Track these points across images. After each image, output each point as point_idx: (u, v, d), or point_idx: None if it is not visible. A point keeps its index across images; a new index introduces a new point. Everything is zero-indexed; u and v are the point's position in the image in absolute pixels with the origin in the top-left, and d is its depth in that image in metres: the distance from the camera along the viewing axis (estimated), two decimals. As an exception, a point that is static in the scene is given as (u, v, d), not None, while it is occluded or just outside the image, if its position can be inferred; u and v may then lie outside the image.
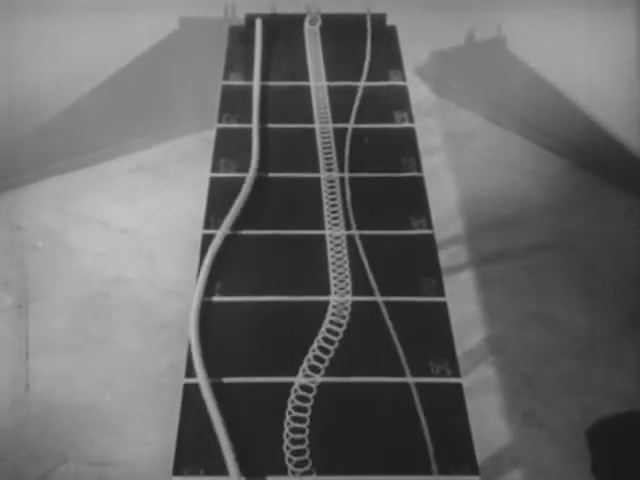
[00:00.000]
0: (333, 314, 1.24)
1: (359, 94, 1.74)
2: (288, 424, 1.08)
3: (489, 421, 1.92)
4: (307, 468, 1.03)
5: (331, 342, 1.20)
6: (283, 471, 1.04)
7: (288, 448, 1.05)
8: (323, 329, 1.21)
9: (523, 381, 2.04)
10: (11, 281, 2.34)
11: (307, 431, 1.07)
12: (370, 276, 1.30)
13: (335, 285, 1.29)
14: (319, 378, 1.15)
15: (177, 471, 1.04)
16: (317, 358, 1.17)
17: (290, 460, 1.04)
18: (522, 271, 2.36)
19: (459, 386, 1.14)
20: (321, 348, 1.19)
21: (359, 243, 1.37)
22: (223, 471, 1.03)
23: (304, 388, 1.13)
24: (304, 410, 1.10)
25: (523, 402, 1.99)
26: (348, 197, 1.46)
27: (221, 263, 1.34)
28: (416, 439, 1.07)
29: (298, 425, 1.08)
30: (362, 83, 1.78)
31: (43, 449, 1.88)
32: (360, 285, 1.30)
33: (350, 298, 1.27)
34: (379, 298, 1.27)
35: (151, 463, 1.83)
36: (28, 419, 1.95)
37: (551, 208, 2.61)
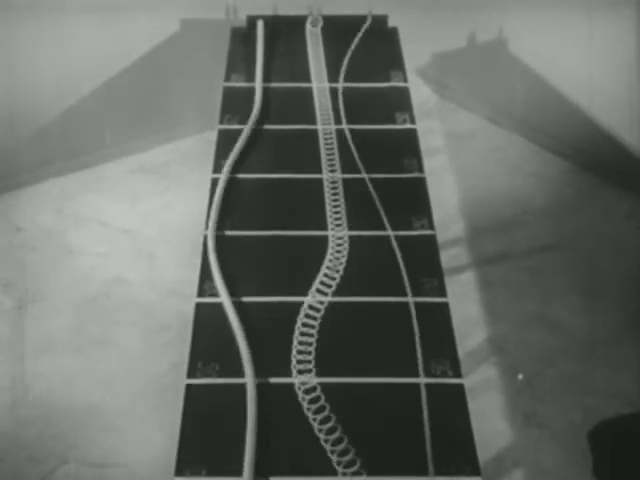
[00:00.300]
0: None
1: (360, 95, 1.74)
2: (320, 430, 1.08)
3: (490, 422, 1.92)
4: (356, 468, 1.04)
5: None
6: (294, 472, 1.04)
7: (334, 452, 1.05)
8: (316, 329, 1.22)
9: (524, 382, 2.04)
10: (11, 282, 2.34)
11: (339, 430, 1.07)
12: (372, 277, 1.31)
13: (337, 284, 1.30)
14: (322, 378, 1.15)
15: (179, 472, 1.04)
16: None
17: (339, 463, 1.04)
18: (524, 272, 2.36)
19: (461, 386, 1.14)
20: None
21: (361, 243, 1.37)
22: (225, 471, 1.03)
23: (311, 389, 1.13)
24: (323, 409, 1.10)
25: (524, 403, 1.99)
26: (373, 193, 1.46)
27: (223, 262, 1.34)
28: (417, 439, 1.07)
29: (329, 425, 1.08)
30: (363, 84, 1.78)
31: (43, 450, 1.88)
32: (362, 286, 1.30)
33: (352, 299, 1.27)
34: (380, 298, 1.27)
35: (152, 464, 1.83)
36: (28, 420, 1.95)
37: (553, 209, 2.61)
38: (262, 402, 1.11)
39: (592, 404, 1.96)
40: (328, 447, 1.06)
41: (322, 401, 1.11)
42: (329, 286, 1.29)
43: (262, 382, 1.14)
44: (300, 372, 1.16)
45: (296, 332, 1.22)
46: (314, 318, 1.24)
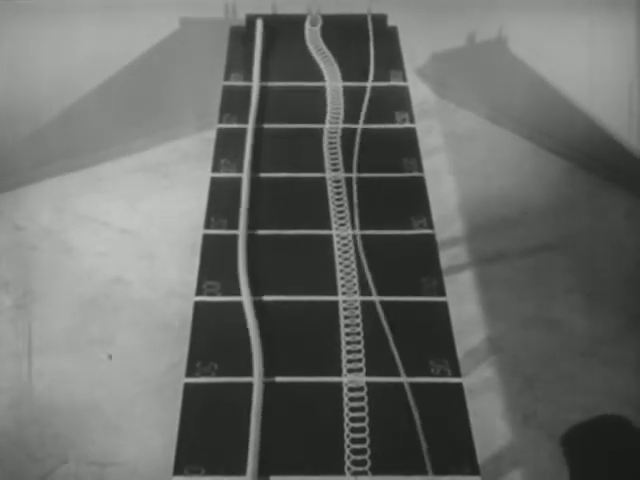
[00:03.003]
0: (346, 316, 1.24)
1: (360, 95, 1.75)
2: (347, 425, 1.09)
3: (489, 421, 1.92)
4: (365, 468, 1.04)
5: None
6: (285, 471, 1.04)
7: (349, 446, 1.06)
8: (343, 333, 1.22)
9: (524, 382, 2.04)
10: (10, 281, 2.34)
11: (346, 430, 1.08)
12: (371, 276, 1.30)
13: (343, 285, 1.29)
14: (322, 378, 1.15)
15: (178, 471, 1.04)
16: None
17: (348, 457, 1.05)
18: (522, 271, 2.36)
19: (460, 386, 1.14)
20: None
21: (360, 243, 1.37)
22: (224, 471, 1.03)
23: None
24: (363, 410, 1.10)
25: (523, 403, 1.99)
26: (355, 197, 1.46)
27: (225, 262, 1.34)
28: (416, 439, 1.07)
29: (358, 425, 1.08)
30: (363, 83, 1.78)
31: (43, 450, 1.88)
32: (361, 285, 1.30)
33: (358, 298, 1.27)
34: (380, 298, 1.27)
35: (152, 463, 1.83)
36: (28, 420, 1.95)
37: (551, 208, 2.61)
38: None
39: (592, 404, 1.96)
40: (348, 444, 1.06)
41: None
42: (352, 289, 1.29)
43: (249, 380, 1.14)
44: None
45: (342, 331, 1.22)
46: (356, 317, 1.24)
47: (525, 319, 2.21)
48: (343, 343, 1.20)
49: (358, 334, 1.22)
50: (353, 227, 1.40)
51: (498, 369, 2.07)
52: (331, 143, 1.60)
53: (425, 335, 1.21)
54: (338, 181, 1.50)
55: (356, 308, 1.25)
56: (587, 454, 1.62)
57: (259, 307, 1.26)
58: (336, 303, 1.26)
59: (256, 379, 1.13)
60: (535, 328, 2.18)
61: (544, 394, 2.01)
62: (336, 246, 1.37)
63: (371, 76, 1.80)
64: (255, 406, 1.09)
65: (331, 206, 1.45)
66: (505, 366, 2.08)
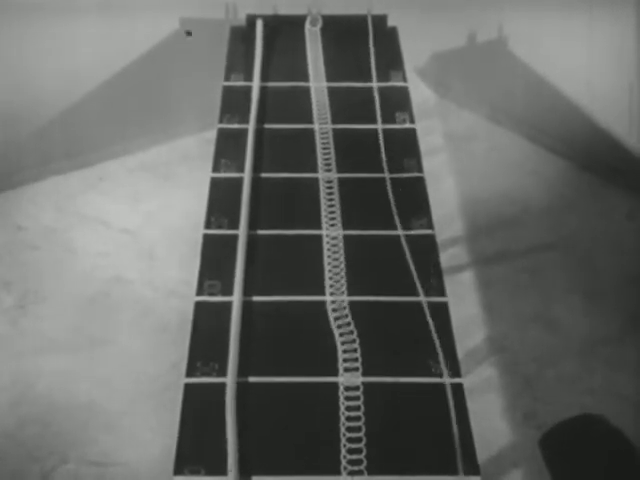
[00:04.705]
0: (336, 317, 1.24)
1: (360, 95, 1.75)
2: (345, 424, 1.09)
3: (489, 421, 1.92)
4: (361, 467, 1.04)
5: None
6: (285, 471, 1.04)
7: (345, 445, 1.06)
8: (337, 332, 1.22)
9: (523, 382, 2.04)
10: (12, 281, 2.34)
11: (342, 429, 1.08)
12: (371, 276, 1.31)
13: (331, 286, 1.30)
14: (322, 378, 1.15)
15: (178, 471, 1.04)
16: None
17: (344, 456, 1.05)
18: (523, 272, 2.36)
19: (460, 386, 1.14)
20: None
21: (360, 243, 1.37)
22: (224, 471, 1.03)
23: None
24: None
25: (523, 403, 1.99)
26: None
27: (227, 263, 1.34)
28: (417, 439, 1.07)
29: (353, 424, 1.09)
30: (363, 84, 1.78)
31: (44, 449, 1.88)
32: (361, 285, 1.30)
33: (347, 298, 1.27)
34: (380, 298, 1.27)
35: (152, 463, 1.83)
36: (28, 419, 1.95)
37: (552, 209, 2.61)
38: (249, 401, 1.12)
39: (592, 404, 1.96)
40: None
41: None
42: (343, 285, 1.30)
43: (245, 381, 1.14)
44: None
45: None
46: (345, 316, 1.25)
47: (525, 319, 2.21)
48: (339, 343, 1.21)
49: (351, 333, 1.22)
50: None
51: (498, 369, 2.07)
52: (332, 143, 1.60)
53: (425, 335, 1.22)
54: (331, 181, 1.51)
55: (344, 308, 1.26)
56: (566, 455, 1.62)
57: (256, 307, 1.27)
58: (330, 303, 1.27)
59: (230, 379, 1.13)
60: (535, 328, 2.19)
61: (544, 394, 2.01)
62: (326, 246, 1.37)
63: (371, 77, 1.80)
64: (229, 406, 1.09)
65: (323, 207, 1.45)
66: (505, 366, 2.08)
